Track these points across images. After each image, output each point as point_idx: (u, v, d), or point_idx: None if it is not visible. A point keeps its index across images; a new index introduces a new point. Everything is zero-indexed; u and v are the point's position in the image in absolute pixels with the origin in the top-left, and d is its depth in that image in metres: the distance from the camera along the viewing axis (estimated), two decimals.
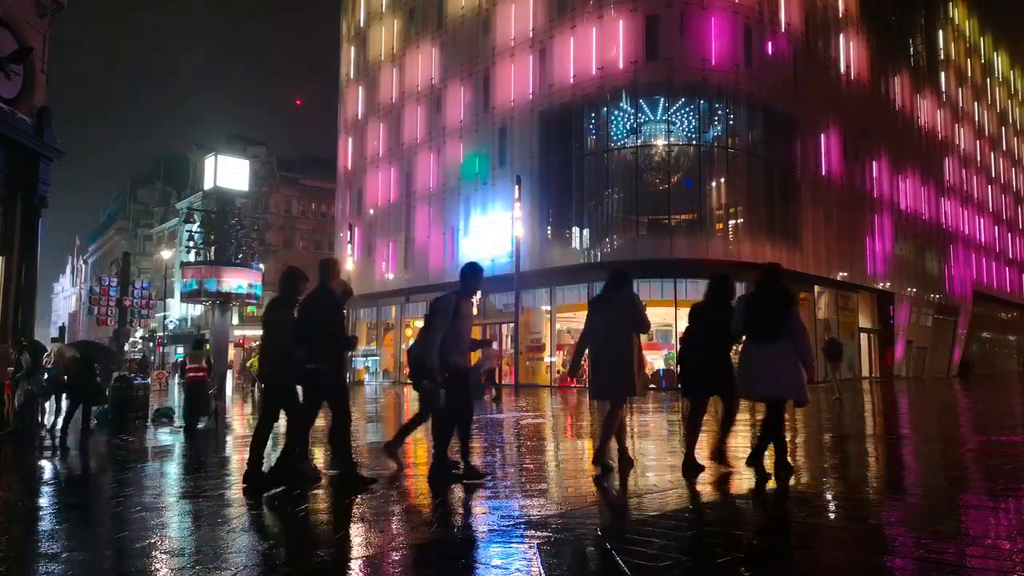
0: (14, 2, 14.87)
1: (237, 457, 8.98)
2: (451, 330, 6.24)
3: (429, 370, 6.24)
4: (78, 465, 8.58)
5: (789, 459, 6.30)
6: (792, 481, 6.49)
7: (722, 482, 6.12)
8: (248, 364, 25.38)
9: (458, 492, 5.89)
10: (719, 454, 6.48)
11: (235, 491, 6.41)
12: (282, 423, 6.67)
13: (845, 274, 32.53)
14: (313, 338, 6.04)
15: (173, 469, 8.06)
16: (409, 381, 7.71)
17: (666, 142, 27.82)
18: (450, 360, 6.24)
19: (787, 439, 6.99)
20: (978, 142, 50.71)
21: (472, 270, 6.55)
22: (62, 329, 30.62)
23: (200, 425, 13.02)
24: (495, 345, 24.81)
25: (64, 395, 12.32)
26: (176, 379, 27.45)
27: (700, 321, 6.56)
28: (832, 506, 5.50)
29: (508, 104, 32.03)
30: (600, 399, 6.99)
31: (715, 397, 6.53)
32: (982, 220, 50.15)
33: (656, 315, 29.66)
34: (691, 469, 6.22)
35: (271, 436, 6.59)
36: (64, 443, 10.35)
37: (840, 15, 34.50)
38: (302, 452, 6.47)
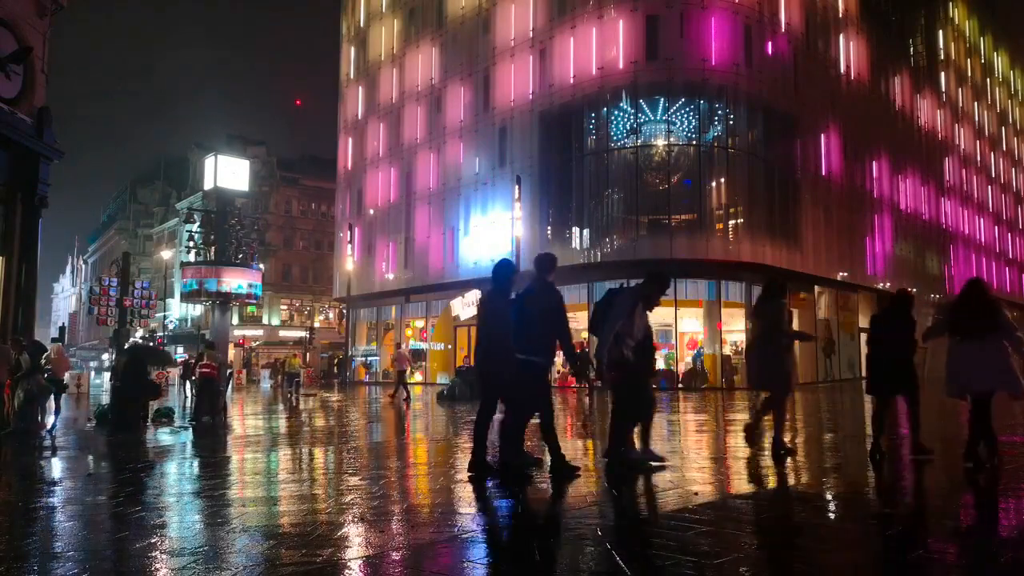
0: (14, 2, 14.87)
1: (237, 457, 8.99)
2: (626, 326, 6.36)
3: (616, 363, 6.26)
4: (78, 465, 8.58)
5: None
6: (792, 480, 6.50)
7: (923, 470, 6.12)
8: (284, 364, 25.57)
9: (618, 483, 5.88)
10: (918, 448, 7.04)
11: (235, 491, 6.42)
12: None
13: (845, 274, 32.51)
14: (532, 331, 6.14)
15: (173, 469, 8.06)
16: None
17: (666, 142, 27.80)
18: (623, 356, 6.31)
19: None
20: (978, 142, 50.68)
21: (665, 281, 6.77)
22: (62, 329, 30.60)
23: (204, 418, 13.15)
24: (403, 347, 25.09)
25: (62, 395, 12.43)
26: (179, 377, 27.48)
27: (884, 329, 7.23)
28: (832, 506, 5.50)
29: (508, 104, 32.02)
30: (756, 389, 7.99)
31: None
32: (982, 220, 50.12)
33: (656, 315, 29.78)
34: (920, 452, 7.01)
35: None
36: (142, 439, 10.52)
37: (840, 15, 34.48)
38: (519, 443, 6.61)
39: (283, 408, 18.45)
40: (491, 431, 6.64)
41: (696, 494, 5.59)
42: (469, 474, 6.39)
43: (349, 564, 3.88)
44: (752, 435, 7.71)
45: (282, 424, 13.97)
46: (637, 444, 6.91)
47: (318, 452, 9.24)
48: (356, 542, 4.35)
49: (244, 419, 15.37)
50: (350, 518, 4.94)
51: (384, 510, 5.25)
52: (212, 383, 13.41)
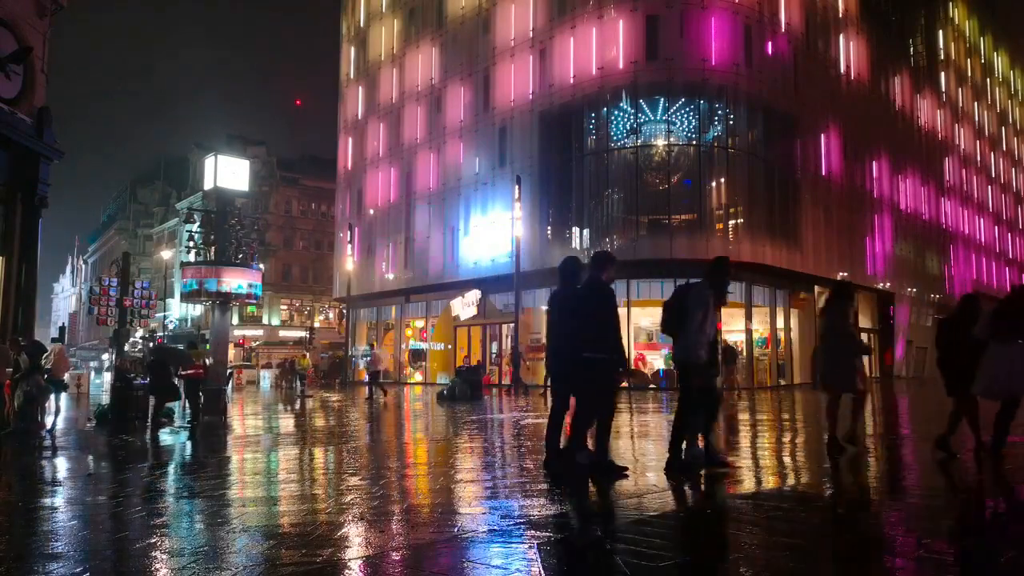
0: (14, 2, 14.87)
1: (237, 457, 8.99)
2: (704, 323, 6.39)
3: (695, 365, 6.30)
4: (78, 465, 8.58)
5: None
6: (792, 481, 6.50)
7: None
8: (297, 364, 25.66)
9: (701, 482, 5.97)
10: (944, 442, 7.21)
11: (235, 491, 6.42)
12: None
13: (845, 274, 32.45)
14: (590, 328, 6.21)
15: (173, 469, 8.06)
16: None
17: (666, 142, 27.79)
18: (699, 354, 6.35)
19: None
20: (978, 142, 50.68)
21: (729, 269, 6.80)
22: (62, 329, 30.50)
23: (205, 418, 13.30)
24: (376, 350, 25.48)
25: (62, 395, 12.52)
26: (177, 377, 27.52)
27: (956, 334, 7.43)
28: (832, 506, 5.50)
29: (508, 104, 32.01)
30: (823, 390, 8.01)
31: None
32: (982, 220, 50.12)
33: (656, 315, 29.83)
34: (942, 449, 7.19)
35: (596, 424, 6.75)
36: (156, 440, 10.65)
37: (840, 15, 34.47)
38: (580, 442, 6.67)
39: (285, 407, 18.45)
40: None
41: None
42: (545, 471, 6.52)
43: (349, 564, 3.88)
44: (853, 436, 7.76)
45: (282, 424, 13.98)
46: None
47: (318, 452, 9.23)
48: (356, 542, 4.35)
49: (244, 419, 15.37)
50: (350, 518, 4.94)
51: (384, 510, 5.25)
52: (198, 384, 13.57)
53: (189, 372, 13.55)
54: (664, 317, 6.76)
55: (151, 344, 46.15)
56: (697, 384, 6.41)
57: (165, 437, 11.22)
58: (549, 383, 7.59)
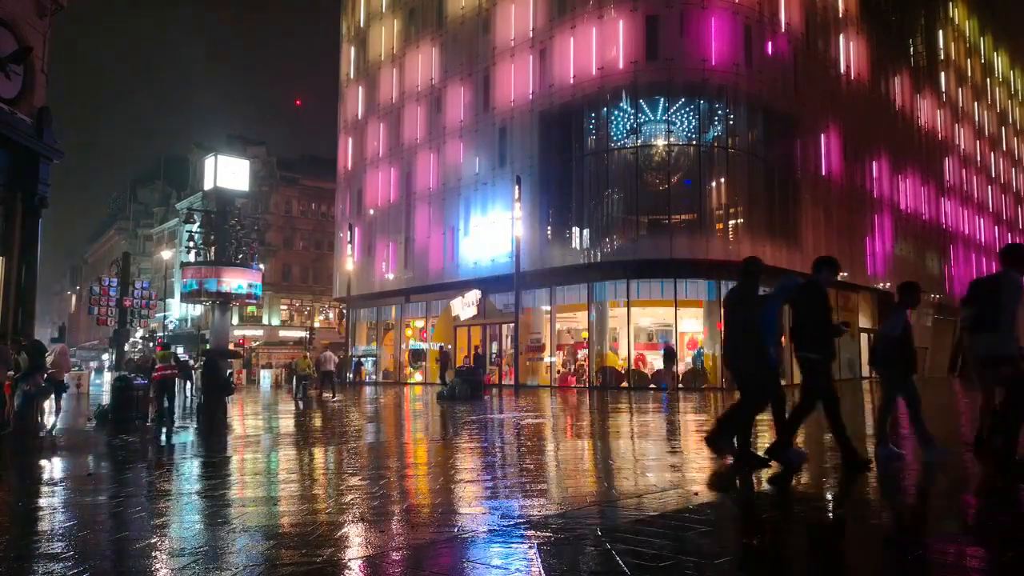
0: (14, 2, 14.86)
1: (237, 457, 8.99)
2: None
3: (1010, 358, 6.24)
4: (78, 465, 8.58)
5: None
6: (792, 481, 6.50)
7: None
8: (295, 365, 25.78)
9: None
10: None
11: (235, 491, 6.42)
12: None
13: (845, 274, 32.48)
14: (805, 329, 6.44)
15: (173, 469, 8.06)
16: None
17: (666, 142, 27.78)
18: (1014, 347, 6.30)
19: None
20: (978, 142, 50.68)
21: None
22: (62, 329, 30.57)
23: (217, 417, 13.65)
24: (327, 352, 25.63)
25: (62, 395, 12.62)
26: (177, 378, 27.57)
27: None
28: (832, 506, 5.50)
29: (508, 104, 32.01)
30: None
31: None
32: (982, 220, 50.12)
33: (656, 315, 29.88)
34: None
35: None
36: (216, 432, 11.00)
37: (840, 15, 34.47)
38: (787, 438, 6.74)
39: (285, 408, 18.45)
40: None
41: (696, 494, 5.59)
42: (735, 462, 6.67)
43: (349, 564, 3.88)
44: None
45: (281, 424, 13.98)
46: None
47: (318, 452, 9.23)
48: (356, 542, 4.35)
49: (244, 419, 15.37)
50: (350, 518, 4.94)
51: (384, 510, 5.25)
52: (172, 383, 14.15)
53: (162, 373, 13.86)
54: (969, 312, 6.71)
55: (152, 343, 46.18)
56: (1010, 375, 6.30)
57: (164, 437, 11.23)
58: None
